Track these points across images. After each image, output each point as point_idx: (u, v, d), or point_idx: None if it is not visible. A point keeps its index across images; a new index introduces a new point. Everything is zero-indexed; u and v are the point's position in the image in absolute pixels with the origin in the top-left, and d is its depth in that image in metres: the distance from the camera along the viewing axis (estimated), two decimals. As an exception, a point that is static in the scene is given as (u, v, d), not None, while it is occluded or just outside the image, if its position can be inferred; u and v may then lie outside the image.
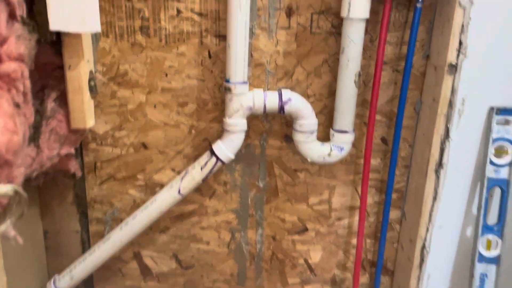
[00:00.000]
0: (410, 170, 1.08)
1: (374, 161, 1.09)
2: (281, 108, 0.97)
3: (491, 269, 0.99)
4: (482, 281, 0.99)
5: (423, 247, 1.04)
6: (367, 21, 0.93)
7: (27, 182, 0.84)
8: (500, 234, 0.98)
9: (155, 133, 1.07)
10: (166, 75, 1.02)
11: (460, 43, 0.90)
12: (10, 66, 0.70)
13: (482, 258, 0.99)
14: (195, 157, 1.08)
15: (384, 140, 1.08)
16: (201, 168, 1.01)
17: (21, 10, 0.74)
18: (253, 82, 1.02)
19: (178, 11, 0.97)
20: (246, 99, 0.96)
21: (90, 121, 0.95)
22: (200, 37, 0.99)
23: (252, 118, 1.04)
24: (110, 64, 1.01)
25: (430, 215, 1.02)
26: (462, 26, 0.89)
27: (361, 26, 0.92)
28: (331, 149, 1.01)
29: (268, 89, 1.03)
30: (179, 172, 1.10)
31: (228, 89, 0.95)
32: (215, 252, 1.18)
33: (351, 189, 1.12)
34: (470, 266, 1.01)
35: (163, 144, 1.08)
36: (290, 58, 1.01)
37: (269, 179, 1.11)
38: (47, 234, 1.17)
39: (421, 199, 1.02)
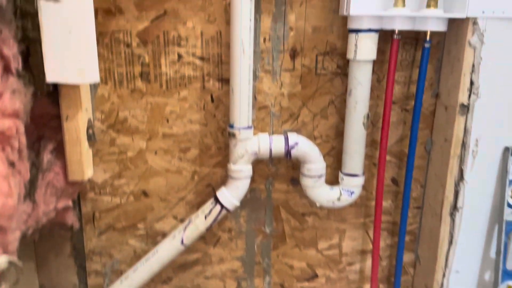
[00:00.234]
0: (423, 212, 1.04)
1: (385, 203, 1.05)
2: (288, 153, 0.93)
3: (514, 316, 0.94)
4: (505, 330, 0.94)
5: (441, 293, 0.99)
6: (374, 61, 0.91)
7: (22, 238, 0.79)
8: (522, 279, 0.93)
9: (156, 180, 1.03)
10: (168, 120, 0.98)
11: (472, 83, 0.87)
12: (4, 124, 0.66)
13: (504, 305, 0.94)
14: (198, 204, 1.03)
15: (394, 181, 1.04)
16: (205, 217, 0.96)
17: (16, 63, 0.71)
18: (257, 125, 0.99)
19: (179, 56, 0.94)
20: (251, 144, 0.93)
21: (88, 172, 0.90)
22: (202, 81, 0.96)
23: (257, 162, 1.00)
24: (109, 111, 0.98)
25: (446, 260, 0.97)
26: (473, 66, 0.86)
27: (368, 68, 0.89)
28: (340, 193, 0.97)
29: (273, 132, 1.00)
30: (181, 220, 1.05)
31: (233, 135, 0.92)
32: (220, 302, 1.12)
33: (362, 233, 1.07)
34: (491, 313, 0.96)
35: (164, 191, 1.03)
36: (295, 100, 0.98)
37: (276, 224, 1.07)
38: (43, 288, 1.11)
39: (436, 243, 0.97)
